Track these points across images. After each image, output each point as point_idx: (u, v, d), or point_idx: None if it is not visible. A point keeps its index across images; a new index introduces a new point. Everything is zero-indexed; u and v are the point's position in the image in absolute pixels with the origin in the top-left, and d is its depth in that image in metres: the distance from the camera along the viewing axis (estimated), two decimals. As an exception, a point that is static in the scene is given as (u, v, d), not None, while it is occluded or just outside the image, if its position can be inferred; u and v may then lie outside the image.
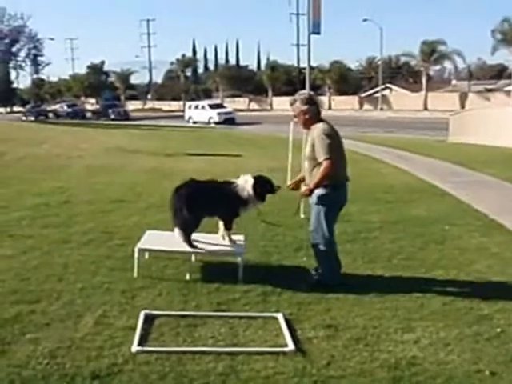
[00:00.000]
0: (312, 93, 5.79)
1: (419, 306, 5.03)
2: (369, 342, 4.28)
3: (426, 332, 4.47)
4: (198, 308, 4.94)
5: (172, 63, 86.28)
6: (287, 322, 4.60)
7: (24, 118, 55.81)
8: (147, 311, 4.73)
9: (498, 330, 4.51)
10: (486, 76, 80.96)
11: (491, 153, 18.19)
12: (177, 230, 5.83)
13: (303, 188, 5.50)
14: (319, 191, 5.38)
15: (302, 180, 5.74)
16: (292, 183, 5.95)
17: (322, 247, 5.52)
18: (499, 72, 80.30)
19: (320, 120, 5.47)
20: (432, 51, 59.93)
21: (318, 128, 5.36)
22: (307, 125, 5.52)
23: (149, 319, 4.61)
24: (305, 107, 5.44)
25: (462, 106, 53.20)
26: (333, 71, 69.33)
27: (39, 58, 58.10)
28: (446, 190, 11.22)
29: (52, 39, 68.31)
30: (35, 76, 72.69)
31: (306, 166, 5.54)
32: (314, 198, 5.44)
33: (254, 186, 5.79)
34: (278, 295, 5.24)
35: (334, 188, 5.38)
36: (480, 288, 5.51)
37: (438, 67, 72.35)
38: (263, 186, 5.86)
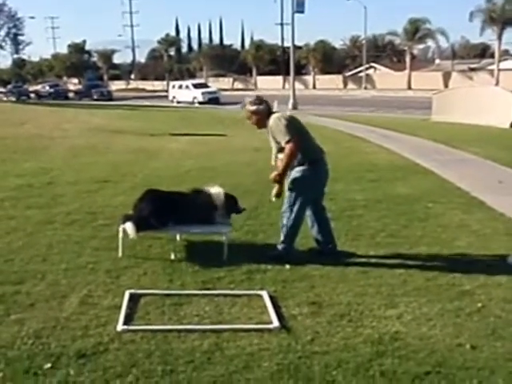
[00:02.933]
0: (259, 94, 5.87)
1: (402, 282, 5.09)
2: (352, 318, 4.34)
3: (408, 307, 4.54)
4: (183, 287, 4.96)
5: (159, 42, 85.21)
6: (272, 299, 4.63)
7: (5, 99, 55.09)
8: (132, 290, 4.75)
9: (479, 304, 4.59)
10: (470, 55, 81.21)
11: (474, 131, 18.31)
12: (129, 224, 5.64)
13: (272, 174, 5.48)
14: (297, 173, 5.43)
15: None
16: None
17: (290, 223, 5.59)
18: (482, 51, 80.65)
19: (271, 113, 5.54)
20: (416, 30, 59.87)
21: (271, 119, 5.45)
22: (260, 124, 5.61)
23: (134, 298, 4.62)
24: (254, 107, 5.55)
25: (446, 85, 53.34)
26: (317, 50, 69.05)
27: (19, 38, 57.29)
28: (430, 169, 11.30)
29: (32, 18, 67.45)
30: (16, 56, 71.65)
31: (276, 153, 5.59)
32: (293, 177, 5.48)
33: (226, 198, 5.84)
34: (263, 273, 5.27)
35: (311, 164, 5.45)
36: (461, 264, 5.58)
37: (421, 46, 72.41)
38: (231, 203, 5.92)
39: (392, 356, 3.76)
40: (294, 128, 5.37)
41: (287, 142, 5.26)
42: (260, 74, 74.93)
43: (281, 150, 5.42)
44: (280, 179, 5.43)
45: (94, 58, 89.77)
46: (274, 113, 5.55)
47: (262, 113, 5.53)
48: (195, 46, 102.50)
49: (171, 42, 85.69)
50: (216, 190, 5.91)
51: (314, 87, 66.89)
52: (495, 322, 4.29)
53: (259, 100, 5.60)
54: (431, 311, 4.47)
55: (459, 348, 3.88)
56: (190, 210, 5.74)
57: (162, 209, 5.68)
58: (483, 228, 6.88)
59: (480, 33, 52.87)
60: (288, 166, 5.35)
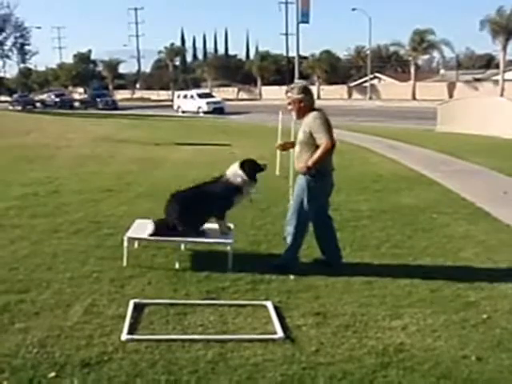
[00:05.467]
0: (307, 83, 5.91)
1: (407, 293, 5.08)
2: (357, 329, 4.32)
3: (413, 319, 4.52)
4: (187, 296, 4.95)
5: (160, 52, 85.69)
6: (276, 309, 4.62)
7: (11, 108, 55.35)
8: (137, 300, 4.74)
9: (485, 316, 4.57)
10: (475, 66, 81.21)
11: (479, 142, 18.29)
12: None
13: (300, 165, 5.47)
14: (306, 181, 5.44)
15: (292, 143, 5.99)
16: (281, 144, 6.19)
17: (295, 232, 5.60)
18: (487, 62, 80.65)
19: (314, 109, 5.53)
20: (421, 40, 59.98)
21: (314, 115, 5.42)
22: (301, 113, 5.56)
23: (138, 308, 4.62)
24: (300, 95, 5.51)
25: (450, 96, 53.38)
26: (322, 61, 69.22)
27: (26, 47, 57.38)
28: (435, 179, 11.28)
29: (39, 28, 67.74)
30: (22, 65, 71.87)
31: (296, 150, 5.61)
32: (300, 186, 5.51)
33: (243, 167, 5.84)
34: (267, 283, 5.26)
35: (322, 175, 5.47)
36: (467, 275, 5.56)
37: (426, 57, 72.43)
38: (251, 166, 5.91)
39: (397, 367, 3.74)
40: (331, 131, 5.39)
41: (328, 139, 5.25)
42: (265, 83, 75.10)
43: (302, 144, 5.45)
44: (307, 171, 5.40)
45: (100, 68, 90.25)
46: (316, 109, 5.53)
47: (307, 103, 5.52)
48: (200, 56, 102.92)
49: (176, 51, 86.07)
50: (231, 171, 5.92)
51: (319, 97, 66.83)
52: (501, 333, 4.27)
53: (307, 89, 5.61)
54: (436, 322, 4.46)
55: (464, 360, 3.86)
56: (213, 200, 5.79)
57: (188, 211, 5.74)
58: (488, 239, 6.86)
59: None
60: (321, 160, 5.31)
